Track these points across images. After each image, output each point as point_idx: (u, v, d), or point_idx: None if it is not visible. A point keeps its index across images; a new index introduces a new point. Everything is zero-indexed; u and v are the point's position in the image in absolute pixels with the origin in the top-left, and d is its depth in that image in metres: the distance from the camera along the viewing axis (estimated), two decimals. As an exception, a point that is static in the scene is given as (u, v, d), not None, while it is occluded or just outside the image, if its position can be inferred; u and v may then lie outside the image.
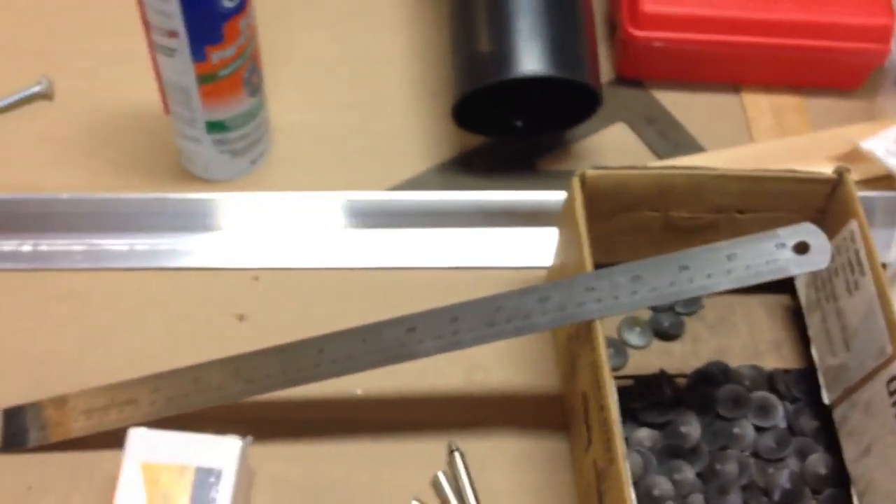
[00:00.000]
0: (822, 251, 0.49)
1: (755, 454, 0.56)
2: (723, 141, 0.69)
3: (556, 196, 0.64)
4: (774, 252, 0.50)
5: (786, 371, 0.59)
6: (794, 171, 0.56)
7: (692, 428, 0.56)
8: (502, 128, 0.67)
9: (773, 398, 0.57)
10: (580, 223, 0.52)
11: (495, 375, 0.60)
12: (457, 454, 0.56)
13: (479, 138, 0.68)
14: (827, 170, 0.56)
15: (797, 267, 0.49)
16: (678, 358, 0.60)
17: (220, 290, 0.61)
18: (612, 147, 0.69)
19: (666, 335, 0.60)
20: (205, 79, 0.57)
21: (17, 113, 0.66)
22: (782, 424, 0.57)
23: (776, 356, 0.60)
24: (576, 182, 0.53)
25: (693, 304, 0.61)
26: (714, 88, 0.71)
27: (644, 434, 0.56)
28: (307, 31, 0.72)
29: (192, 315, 0.60)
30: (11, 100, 0.66)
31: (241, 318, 0.61)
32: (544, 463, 0.57)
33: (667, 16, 0.67)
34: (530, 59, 0.59)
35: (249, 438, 0.52)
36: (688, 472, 0.55)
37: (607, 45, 0.73)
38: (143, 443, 0.51)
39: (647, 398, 0.57)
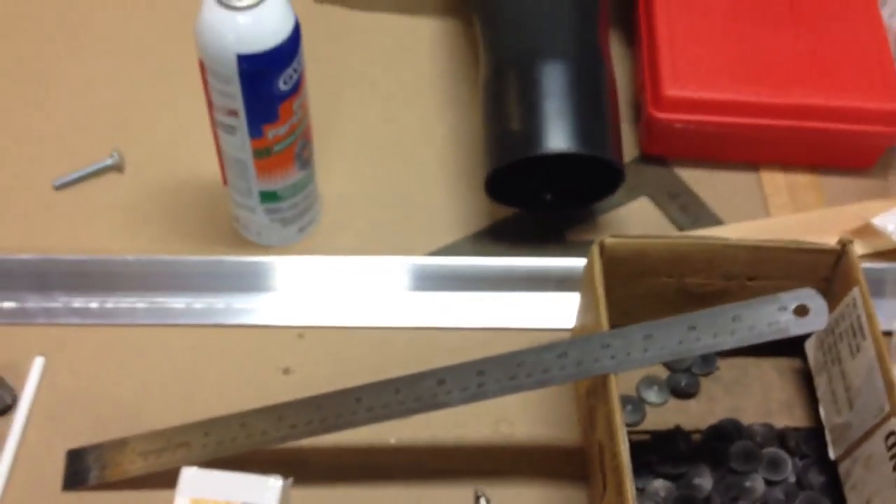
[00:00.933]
0: (820, 313, 0.53)
1: (764, 506, 0.59)
2: (741, 216, 0.74)
3: (580, 263, 0.69)
4: (776, 314, 0.54)
5: (796, 429, 0.62)
6: (801, 242, 0.60)
7: (705, 480, 0.59)
8: (532, 201, 0.72)
9: (783, 454, 0.61)
10: (598, 286, 0.57)
11: (520, 428, 0.64)
12: (483, 500, 0.60)
13: (510, 210, 0.73)
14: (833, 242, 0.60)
15: (797, 328, 0.53)
16: (694, 415, 0.63)
17: (267, 346, 0.67)
18: (636, 220, 0.74)
19: (682, 393, 0.64)
20: (260, 153, 0.63)
21: (90, 184, 0.73)
22: (791, 479, 0.60)
23: (787, 415, 0.63)
24: (595, 249, 0.58)
25: (709, 366, 0.65)
26: (733, 167, 0.76)
27: (659, 484, 0.59)
28: (356, 110, 0.78)
29: (242, 368, 0.66)
30: (86, 172, 0.73)
31: (286, 371, 0.66)
32: (564, 511, 0.61)
33: (688, 99, 0.72)
34: (557, 138, 0.64)
35: (290, 480, 0.57)
36: (699, 522, 0.58)
37: (632, 125, 0.78)
38: (194, 481, 0.55)
39: (662, 451, 0.61)
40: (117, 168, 0.73)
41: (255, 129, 0.61)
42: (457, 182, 0.75)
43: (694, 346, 0.53)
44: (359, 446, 0.62)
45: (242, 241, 0.71)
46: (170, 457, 0.59)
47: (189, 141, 0.74)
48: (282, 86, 0.59)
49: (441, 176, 0.75)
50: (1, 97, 0.76)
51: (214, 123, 0.62)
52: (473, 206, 0.74)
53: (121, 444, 0.60)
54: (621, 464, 0.51)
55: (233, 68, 0.57)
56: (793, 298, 0.54)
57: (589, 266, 0.59)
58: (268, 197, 0.66)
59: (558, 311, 0.68)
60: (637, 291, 0.61)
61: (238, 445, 0.58)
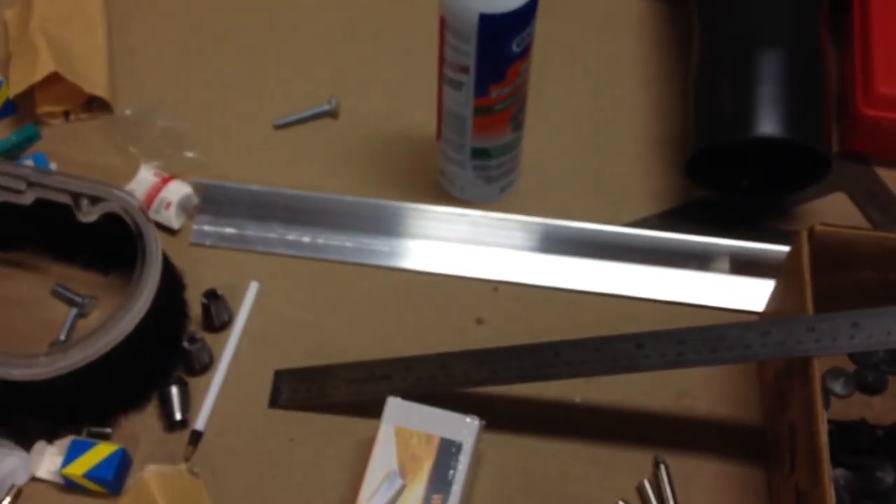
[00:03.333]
0: None
1: (946, 507, 0.60)
2: (940, 221, 0.73)
3: (773, 249, 0.70)
4: None
5: (984, 437, 0.62)
6: None
7: (887, 475, 0.60)
8: (728, 185, 0.74)
9: (968, 459, 0.61)
10: (805, 271, 0.58)
11: (702, 403, 0.65)
12: (662, 466, 0.62)
13: (703, 192, 0.74)
14: None
15: None
16: (878, 411, 0.64)
17: (463, 296, 0.70)
18: (831, 214, 0.74)
19: (869, 389, 0.65)
20: (481, 111, 0.66)
21: (307, 126, 0.78)
22: (976, 485, 0.60)
23: (976, 422, 0.63)
24: (804, 234, 0.59)
25: (898, 364, 0.65)
26: (935, 171, 0.76)
27: (840, 473, 0.60)
28: (562, 81, 0.80)
29: (438, 314, 0.69)
30: (305, 115, 0.77)
31: (479, 321, 0.69)
32: (740, 487, 0.62)
33: (899, 98, 0.72)
34: (771, 122, 0.65)
35: (483, 422, 0.60)
36: (879, 514, 0.59)
37: (836, 119, 0.78)
38: (399, 410, 0.59)
39: (845, 442, 0.61)
40: (332, 114, 0.78)
41: (482, 87, 0.64)
42: (653, 159, 0.76)
43: (902, 340, 0.54)
44: (545, 400, 0.65)
45: (445, 195, 0.74)
46: (373, 387, 0.63)
47: (402, 95, 0.78)
48: (515, 48, 0.62)
49: (638, 152, 0.77)
50: (233, 42, 0.81)
51: (442, 78, 0.66)
52: (668, 184, 0.75)
53: (327, 370, 0.65)
54: (819, 443, 0.52)
55: (473, 26, 0.60)
56: None
57: (796, 251, 0.60)
58: (479, 154, 0.69)
59: (740, 295, 0.69)
60: (839, 283, 0.62)
61: (437, 384, 0.62)
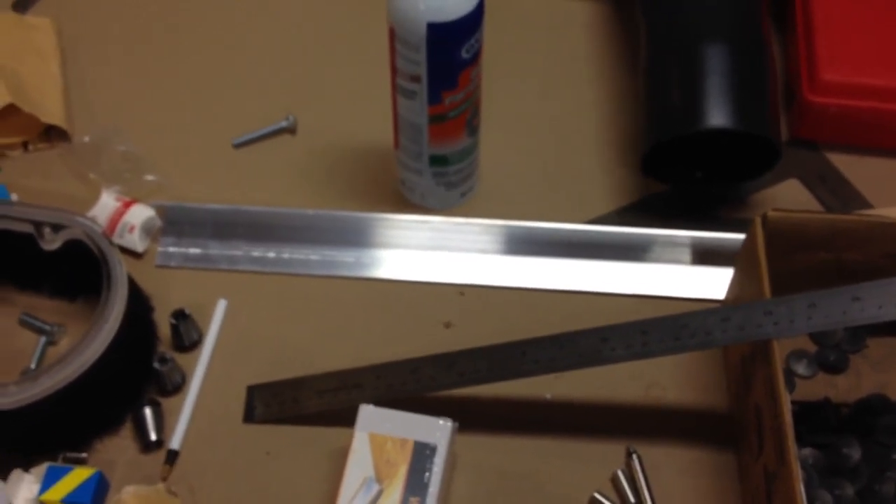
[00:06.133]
0: (984, 291, 0.55)
1: (912, 479, 0.61)
2: (891, 200, 0.75)
3: (730, 238, 0.71)
4: (941, 290, 0.55)
5: (944, 407, 0.64)
6: (961, 225, 0.62)
7: (854, 451, 0.61)
8: (683, 177, 0.75)
9: (931, 431, 0.62)
10: (761, 257, 0.59)
11: (671, 392, 0.67)
12: (635, 456, 0.63)
13: (659, 186, 0.76)
14: None
15: (961, 304, 0.55)
16: (841, 390, 0.65)
17: (430, 301, 0.71)
18: (785, 201, 0.75)
19: (831, 368, 0.66)
20: (435, 119, 0.67)
21: (266, 144, 0.78)
22: (939, 455, 0.62)
23: (935, 394, 0.65)
24: (758, 221, 0.61)
25: (858, 343, 0.67)
26: (882, 152, 0.77)
27: (807, 452, 0.62)
28: (514, 85, 0.81)
29: (406, 320, 0.70)
30: (263, 132, 0.78)
31: (447, 325, 0.70)
32: (712, 471, 0.63)
33: (844, 84, 0.74)
34: (719, 114, 0.67)
35: (457, 423, 0.61)
36: (847, 489, 0.60)
37: (784, 107, 0.79)
38: (372, 417, 0.60)
39: (811, 422, 0.63)
40: (290, 130, 0.78)
41: (435, 95, 0.65)
42: (609, 156, 0.78)
43: (858, 317, 0.55)
44: (516, 399, 0.66)
45: (406, 204, 0.75)
46: (345, 396, 0.63)
47: (358, 107, 0.79)
48: (464, 54, 0.63)
49: (594, 150, 0.78)
50: (187, 64, 0.82)
51: (395, 88, 0.67)
52: (625, 180, 0.77)
53: (299, 383, 0.65)
54: (784, 423, 0.53)
55: (422, 36, 0.61)
56: (957, 276, 0.55)
57: (751, 237, 0.61)
58: (437, 161, 0.70)
59: (701, 284, 0.71)
60: (794, 267, 0.63)
61: (408, 389, 0.62)
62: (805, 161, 0.77)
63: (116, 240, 0.70)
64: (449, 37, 0.62)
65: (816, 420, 0.63)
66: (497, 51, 0.83)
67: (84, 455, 0.63)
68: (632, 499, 0.62)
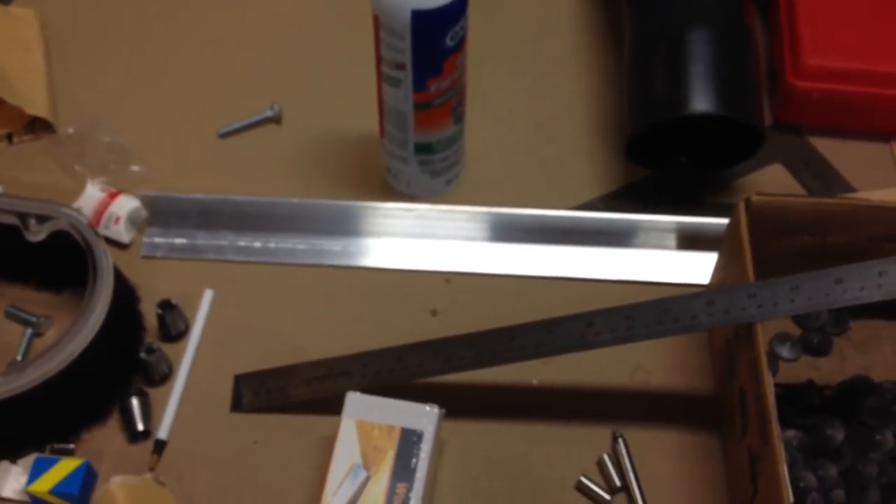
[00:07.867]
0: (965, 272, 0.55)
1: (894, 459, 0.61)
2: (873, 184, 0.75)
3: (715, 222, 0.72)
4: (921, 272, 0.56)
5: (927, 388, 0.64)
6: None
7: (837, 432, 0.62)
8: (668, 163, 0.75)
9: (913, 411, 0.63)
10: (745, 240, 0.59)
11: (656, 377, 0.67)
12: (620, 440, 0.63)
13: (645, 172, 0.76)
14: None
15: (942, 285, 0.56)
16: (825, 372, 0.66)
17: (416, 289, 0.71)
18: (770, 185, 0.76)
19: (815, 351, 0.67)
20: (421, 106, 0.67)
21: (251, 133, 0.78)
22: (922, 435, 0.62)
23: (918, 376, 0.65)
24: (741, 205, 0.61)
25: (841, 325, 0.67)
26: (865, 136, 0.78)
27: (791, 434, 0.62)
28: (499, 73, 0.81)
29: (393, 308, 0.70)
30: (248, 122, 0.78)
31: (433, 312, 0.70)
32: (697, 454, 0.64)
33: (828, 68, 0.74)
34: (702, 100, 0.67)
35: (443, 410, 0.61)
36: (831, 470, 0.61)
37: (767, 92, 0.80)
38: (359, 404, 0.60)
39: (795, 404, 0.63)
40: (276, 120, 0.78)
41: (420, 82, 0.65)
42: (594, 143, 0.78)
43: (840, 299, 0.56)
44: (503, 385, 0.66)
45: (392, 192, 0.75)
46: (332, 384, 0.64)
47: (343, 96, 0.79)
48: (449, 41, 0.63)
49: (579, 136, 0.78)
50: (171, 54, 0.82)
51: (380, 77, 0.67)
52: (610, 166, 0.77)
53: (286, 371, 0.65)
54: (767, 405, 0.54)
55: (406, 23, 0.61)
56: (938, 257, 0.56)
57: (735, 222, 0.62)
58: (422, 149, 0.70)
59: (686, 269, 0.71)
60: (778, 250, 0.64)
61: (395, 377, 0.63)
62: (789, 145, 0.78)
63: (102, 231, 0.70)
64: (433, 24, 0.62)
65: (800, 402, 0.64)
66: (482, 39, 0.82)
67: (71, 446, 0.64)
68: (617, 482, 0.62)
